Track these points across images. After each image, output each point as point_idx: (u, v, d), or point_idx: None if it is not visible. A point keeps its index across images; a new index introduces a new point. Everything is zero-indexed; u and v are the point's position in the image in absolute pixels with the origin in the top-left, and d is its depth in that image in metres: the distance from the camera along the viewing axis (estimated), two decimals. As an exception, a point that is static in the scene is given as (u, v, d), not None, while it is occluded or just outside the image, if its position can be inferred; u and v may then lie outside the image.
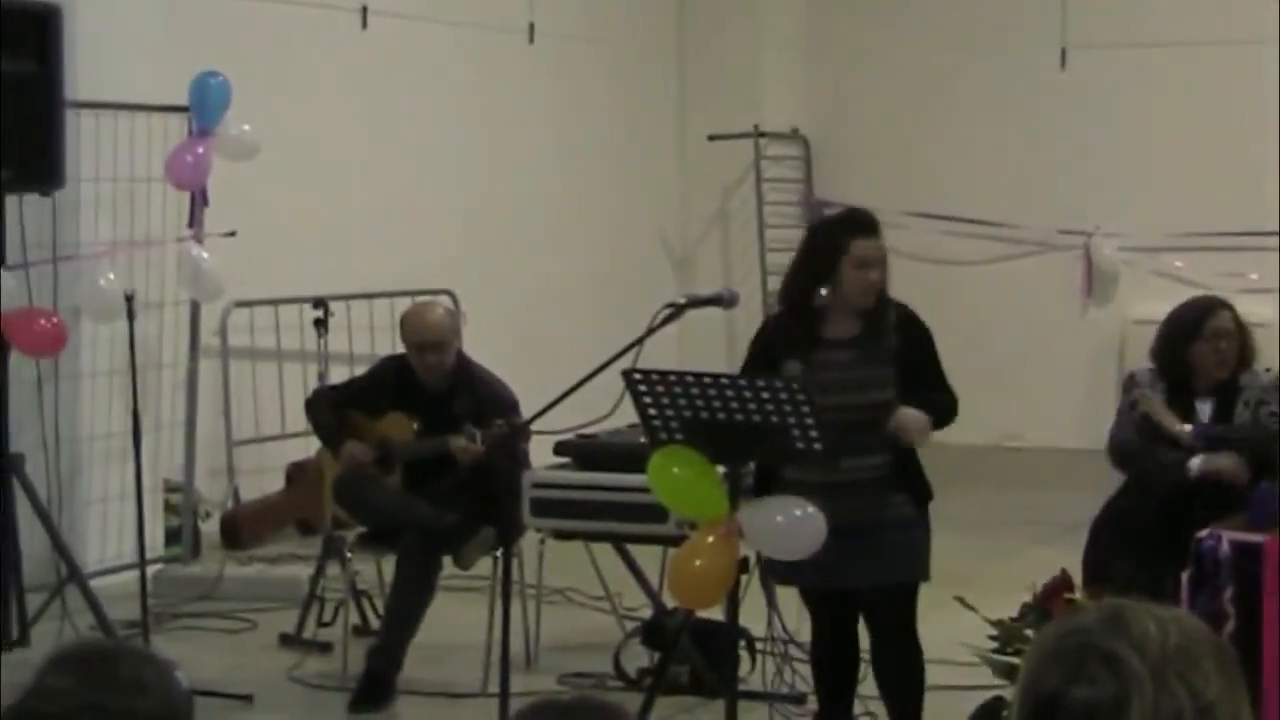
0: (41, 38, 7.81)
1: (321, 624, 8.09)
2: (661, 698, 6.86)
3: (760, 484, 6.15)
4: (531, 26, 12.50)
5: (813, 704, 6.87)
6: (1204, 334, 6.81)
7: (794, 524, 5.82)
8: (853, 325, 6.12)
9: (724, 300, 6.29)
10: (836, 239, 6.11)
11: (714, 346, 13.30)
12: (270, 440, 10.46)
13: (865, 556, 6.03)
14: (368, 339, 10.36)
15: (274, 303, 10.29)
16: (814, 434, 5.73)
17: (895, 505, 6.11)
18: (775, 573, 6.24)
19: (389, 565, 7.66)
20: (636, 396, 5.82)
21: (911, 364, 6.13)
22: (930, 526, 6.20)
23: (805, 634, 7.03)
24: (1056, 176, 13.29)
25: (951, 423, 6.22)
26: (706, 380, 5.80)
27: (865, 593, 6.16)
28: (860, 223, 6.18)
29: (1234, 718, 2.09)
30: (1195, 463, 6.66)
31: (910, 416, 6.00)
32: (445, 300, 10.57)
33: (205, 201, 8.98)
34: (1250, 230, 12.30)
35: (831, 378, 6.02)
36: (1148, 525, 6.70)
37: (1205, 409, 6.85)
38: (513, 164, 12.33)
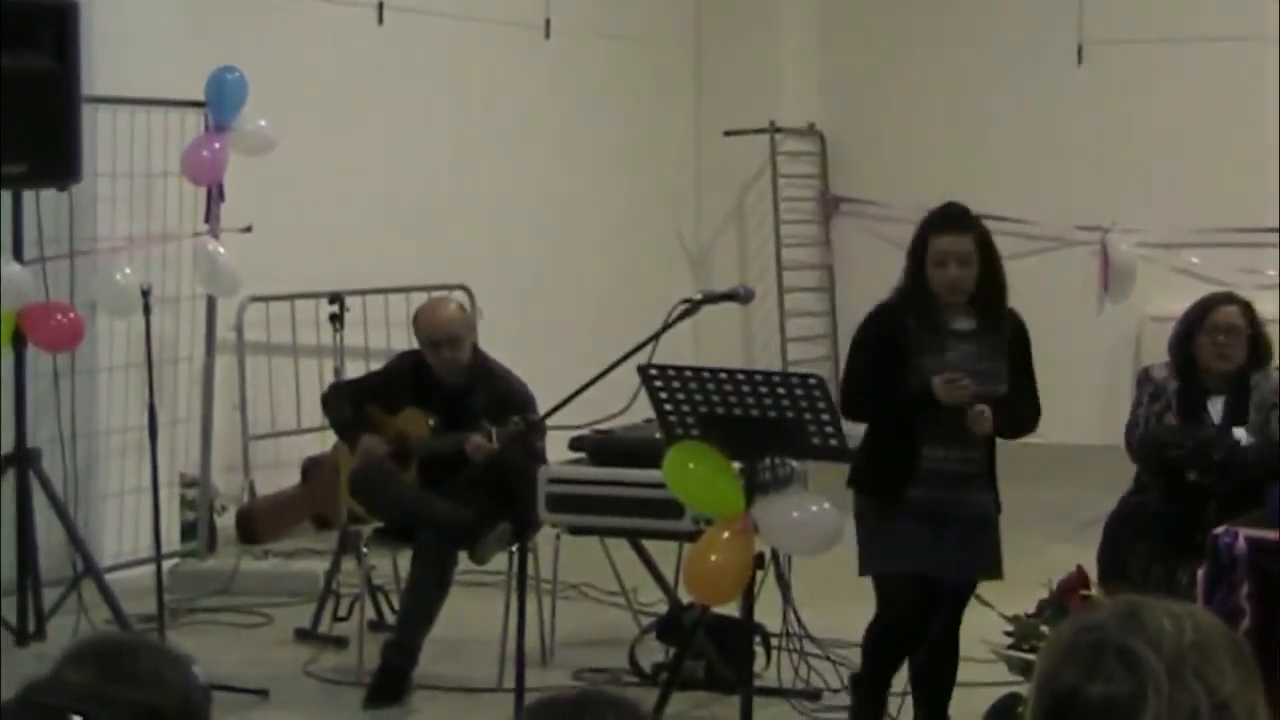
0: (59, 33, 7.83)
1: (337, 619, 8.10)
2: (677, 693, 6.86)
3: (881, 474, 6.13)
4: (548, 22, 12.49)
5: (828, 699, 6.88)
6: (1205, 327, 6.82)
7: (809, 520, 5.83)
8: (970, 318, 6.13)
9: (740, 296, 6.29)
10: (921, 235, 6.14)
11: (730, 342, 13.31)
12: (286, 435, 10.48)
13: (961, 548, 6.07)
14: (383, 334, 10.37)
15: (290, 298, 10.30)
16: (830, 429, 5.73)
17: (986, 503, 6.15)
18: (878, 563, 6.16)
19: (405, 560, 7.67)
20: (652, 392, 5.82)
21: (1015, 365, 6.15)
22: None
23: (821, 630, 7.04)
24: (1073, 172, 13.27)
25: (1030, 432, 6.25)
26: (723, 375, 5.80)
27: (945, 585, 6.15)
28: (940, 219, 6.18)
29: (1250, 713, 2.09)
30: (1242, 433, 6.66)
31: (979, 415, 5.98)
32: (460, 296, 10.58)
33: (221, 196, 8.99)
34: (1268, 226, 12.26)
35: (960, 368, 6.03)
36: (1163, 521, 6.69)
37: (1216, 408, 6.83)
38: (528, 159, 12.33)
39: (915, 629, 6.20)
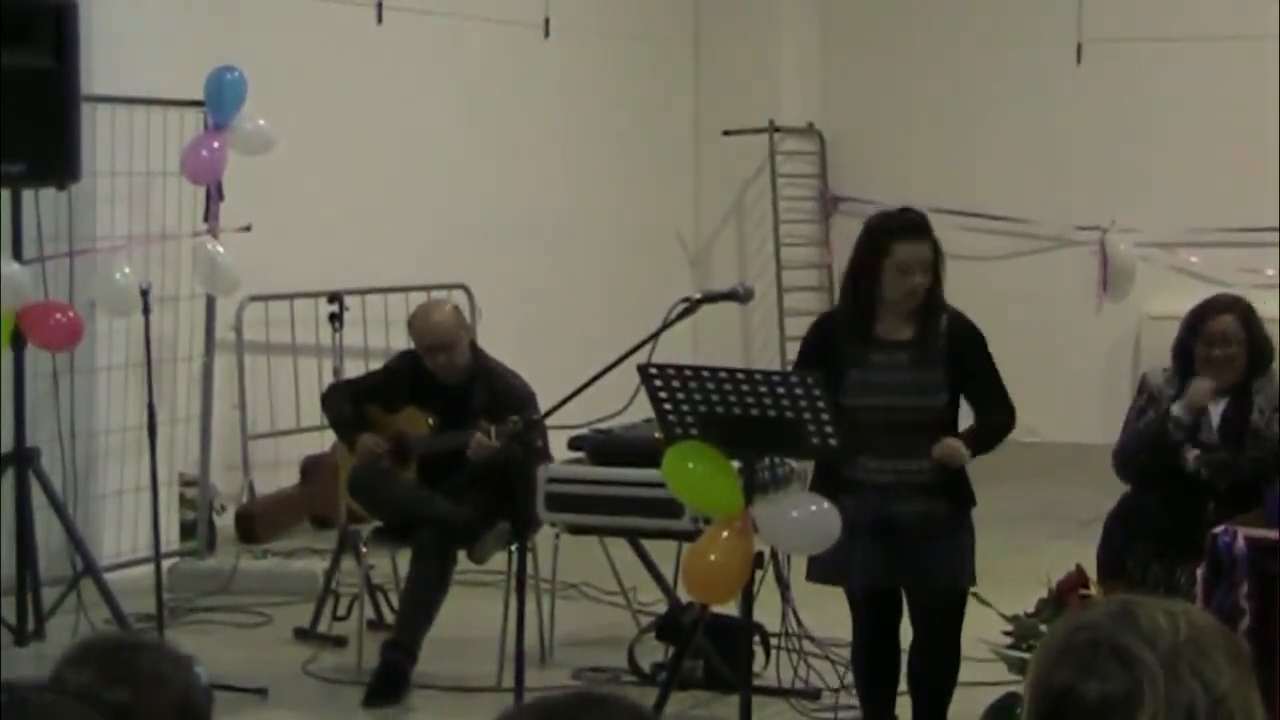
0: (58, 32, 7.83)
1: (336, 618, 8.10)
2: (676, 693, 6.87)
3: (821, 483, 6.14)
4: (547, 21, 12.50)
5: (827, 699, 6.88)
6: (1200, 338, 6.76)
7: (809, 519, 5.83)
8: (906, 327, 6.09)
9: (739, 295, 6.29)
10: (881, 240, 6.06)
11: (729, 341, 13.31)
12: (285, 434, 10.47)
13: (910, 558, 6.05)
14: (383, 333, 10.37)
15: (289, 297, 10.30)
16: (829, 429, 5.73)
17: (939, 510, 6.09)
18: (819, 575, 6.20)
19: (404, 559, 7.67)
20: (652, 391, 5.82)
21: (964, 372, 6.11)
22: (974, 531, 6.20)
23: (820, 629, 7.05)
24: (1072, 172, 13.27)
25: (1008, 434, 6.20)
26: (722, 375, 5.80)
27: (911, 594, 6.16)
28: (905, 225, 6.10)
29: (1246, 709, 2.09)
30: (1178, 408, 6.63)
31: (951, 451, 5.98)
32: (458, 295, 10.59)
33: (220, 196, 8.99)
34: (1268, 226, 12.27)
35: (885, 380, 6.02)
36: (1162, 520, 6.68)
37: (1216, 412, 6.80)
38: (527, 158, 12.33)
39: (876, 639, 6.22)
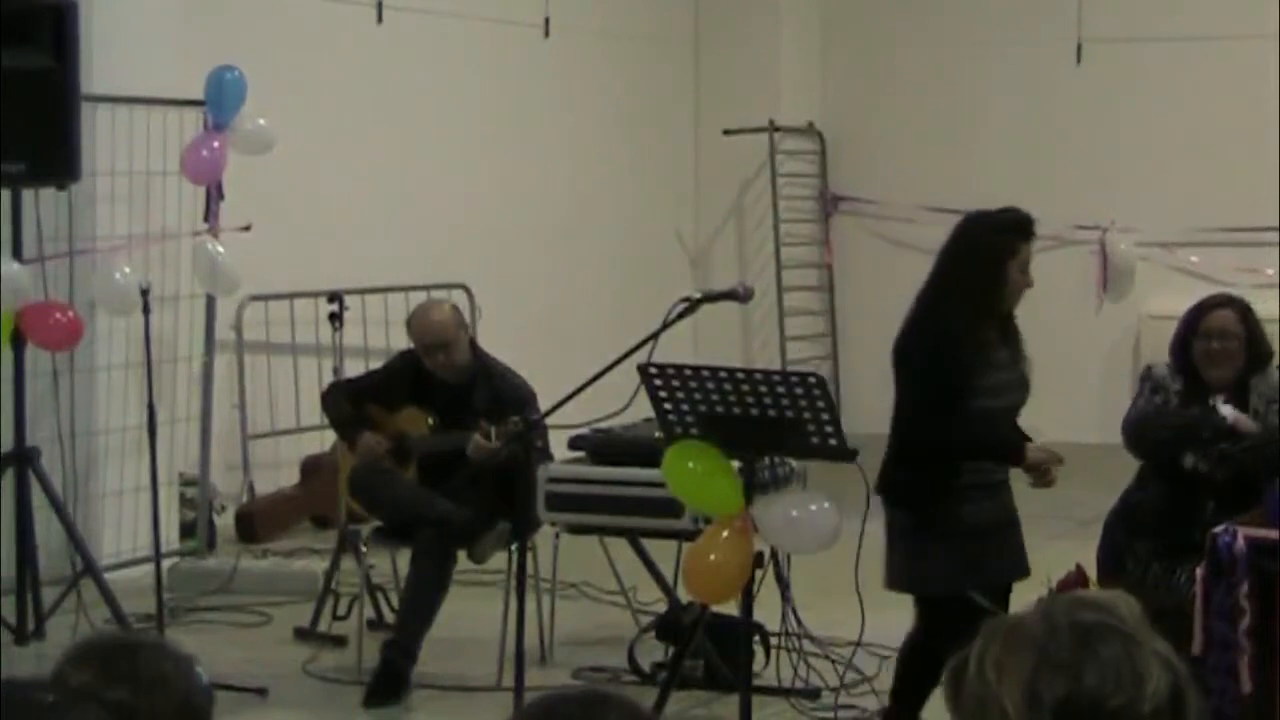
0: (58, 32, 7.83)
1: (336, 618, 8.10)
2: (676, 692, 6.86)
3: (901, 486, 5.98)
4: (547, 21, 12.50)
5: (826, 699, 6.88)
6: (1199, 331, 6.76)
7: (808, 519, 5.83)
8: (992, 326, 6.04)
9: (739, 295, 6.29)
10: (1006, 241, 5.96)
11: (729, 341, 13.31)
12: (285, 434, 10.48)
13: (1020, 551, 6.12)
14: (383, 333, 10.36)
15: (289, 297, 10.30)
16: (830, 429, 5.73)
17: (1013, 503, 6.17)
18: (967, 581, 5.96)
19: (404, 559, 7.67)
20: (652, 391, 5.82)
21: None
22: None
23: (820, 629, 7.04)
24: (1072, 171, 13.27)
25: None
26: (722, 374, 5.80)
27: (1004, 585, 6.14)
28: (1027, 223, 6.02)
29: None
30: (1228, 410, 6.61)
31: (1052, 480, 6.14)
32: (458, 295, 10.60)
33: (221, 196, 8.99)
34: (1267, 225, 12.27)
35: (1007, 379, 6.02)
36: (1162, 519, 6.67)
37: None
38: (528, 158, 12.33)
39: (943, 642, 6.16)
